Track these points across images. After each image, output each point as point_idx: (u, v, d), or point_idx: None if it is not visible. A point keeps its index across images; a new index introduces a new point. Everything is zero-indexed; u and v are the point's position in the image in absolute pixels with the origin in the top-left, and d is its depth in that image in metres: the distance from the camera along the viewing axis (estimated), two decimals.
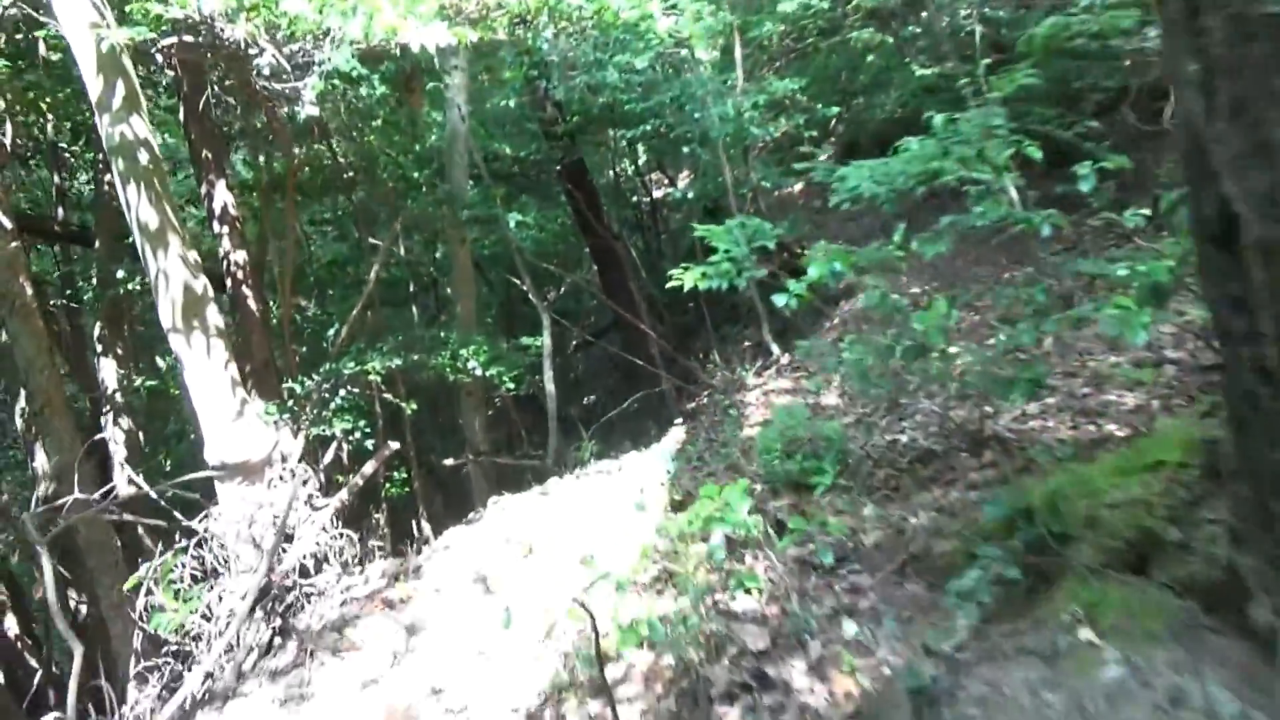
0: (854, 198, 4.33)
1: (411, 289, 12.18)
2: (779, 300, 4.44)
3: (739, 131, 9.31)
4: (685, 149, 9.85)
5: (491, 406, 9.64)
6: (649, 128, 9.28)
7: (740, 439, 8.02)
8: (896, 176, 4.02)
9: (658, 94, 9.28)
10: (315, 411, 7.01)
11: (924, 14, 12.88)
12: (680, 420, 10.21)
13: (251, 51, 5.48)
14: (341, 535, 6.05)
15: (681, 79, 9.41)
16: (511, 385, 8.32)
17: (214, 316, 5.73)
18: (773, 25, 9.95)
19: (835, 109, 9.93)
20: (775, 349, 12.11)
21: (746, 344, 16.60)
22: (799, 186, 20.56)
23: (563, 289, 17.17)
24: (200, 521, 5.82)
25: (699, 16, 7.83)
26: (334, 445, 6.88)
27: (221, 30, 5.25)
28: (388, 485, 7.60)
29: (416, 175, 10.58)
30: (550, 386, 11.48)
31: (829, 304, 15.51)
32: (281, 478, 6.02)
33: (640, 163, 17.58)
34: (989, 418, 5.70)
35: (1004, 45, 12.95)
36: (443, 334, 8.46)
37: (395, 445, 6.40)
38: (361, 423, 6.91)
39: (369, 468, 6.18)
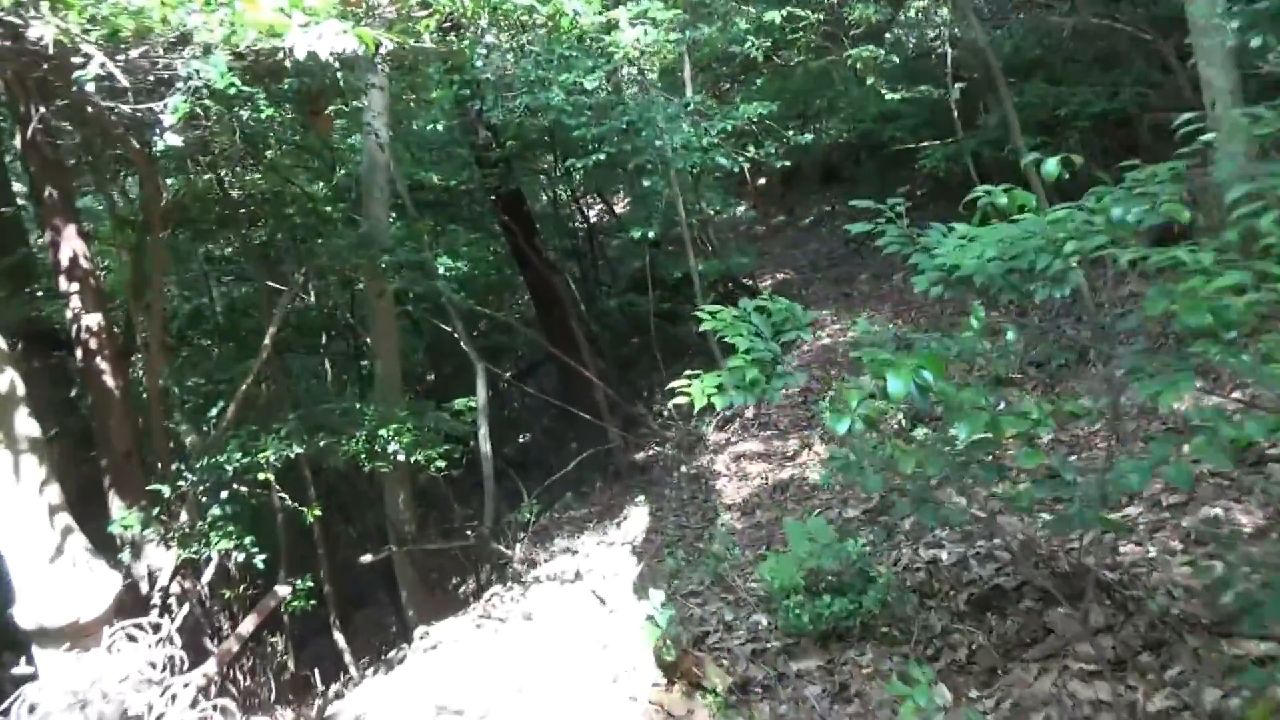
0: (954, 279, 2.88)
1: (325, 338, 10.40)
2: (839, 425, 2.97)
3: (704, 161, 7.86)
4: (646, 181, 8.36)
5: (419, 473, 7.97)
6: (602, 155, 7.77)
7: (722, 531, 6.55)
8: (1030, 252, 2.58)
9: (611, 118, 7.79)
10: (189, 523, 5.32)
11: (886, 36, 11.67)
12: (641, 499, 8.67)
13: (76, 60, 3.82)
14: (215, 707, 4.38)
15: (638, 102, 7.93)
16: (442, 465, 6.70)
17: (25, 425, 4.04)
18: (755, 40, 8.50)
19: (808, 136, 8.57)
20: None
21: None
22: (740, 210, 19.25)
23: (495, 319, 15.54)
24: (12, 704, 4.11)
25: (670, 29, 6.36)
26: (212, 567, 5.20)
27: (21, 27, 3.60)
28: (290, 601, 5.92)
29: (330, 210, 8.89)
30: (486, 446, 9.89)
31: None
32: (131, 637, 4.33)
33: (575, 186, 16.03)
34: (1065, 542, 4.33)
35: (974, 69, 11.73)
36: (359, 405, 6.81)
37: (285, 591, 4.77)
38: (249, 539, 5.23)
39: (248, 624, 4.54)
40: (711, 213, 13.36)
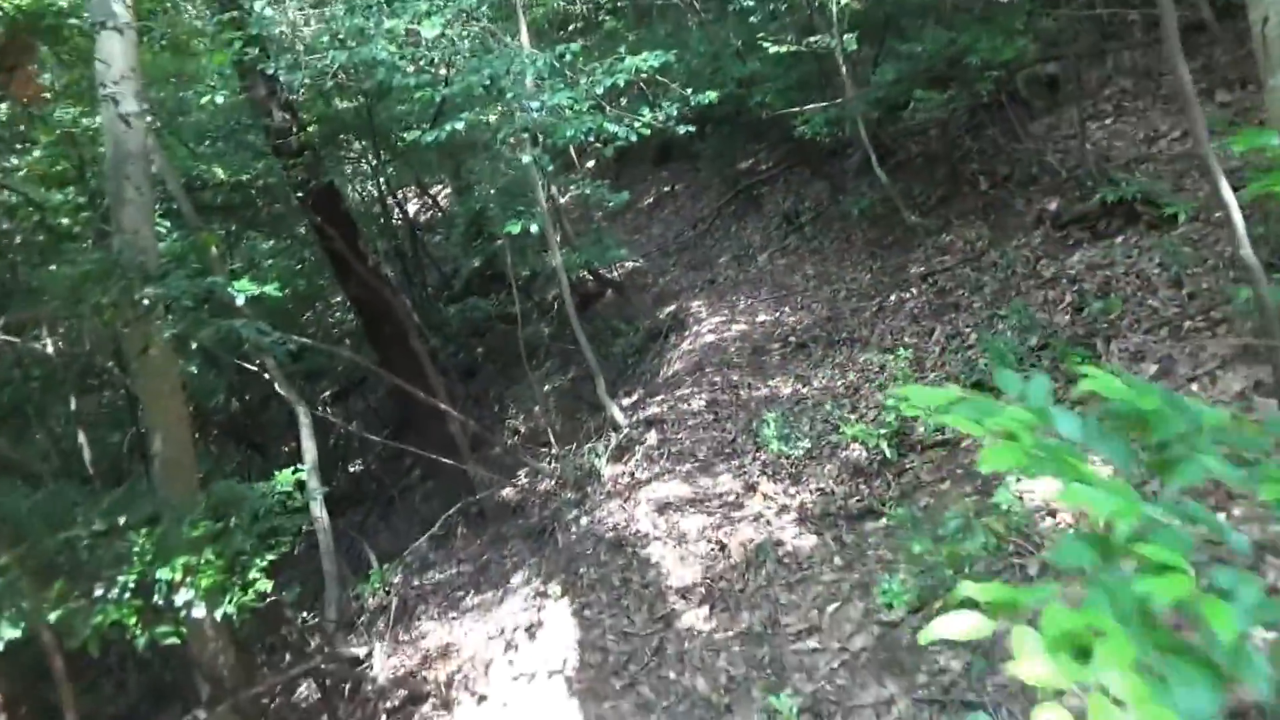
0: None
1: (73, 405, 7.40)
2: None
3: (596, 128, 5.69)
4: (525, 156, 6.06)
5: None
6: (459, 124, 5.44)
7: (685, 645, 4.47)
8: None
9: (464, 74, 5.47)
10: None
11: None
12: (555, 588, 6.32)
13: None
14: None
15: (500, 53, 5.64)
16: (266, 588, 4.25)
17: None
18: None
19: (712, 94, 6.49)
20: (621, 418, 8.57)
21: (549, 388, 12.94)
22: (570, 196, 17.08)
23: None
24: None
25: None
26: None
27: None
28: None
29: (68, 221, 6.11)
30: (322, 514, 7.43)
31: (653, 339, 12.12)
32: None
33: (390, 176, 13.35)
34: None
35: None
36: (125, 519, 4.22)
37: None
38: None
39: None
40: (563, 198, 11.19)
